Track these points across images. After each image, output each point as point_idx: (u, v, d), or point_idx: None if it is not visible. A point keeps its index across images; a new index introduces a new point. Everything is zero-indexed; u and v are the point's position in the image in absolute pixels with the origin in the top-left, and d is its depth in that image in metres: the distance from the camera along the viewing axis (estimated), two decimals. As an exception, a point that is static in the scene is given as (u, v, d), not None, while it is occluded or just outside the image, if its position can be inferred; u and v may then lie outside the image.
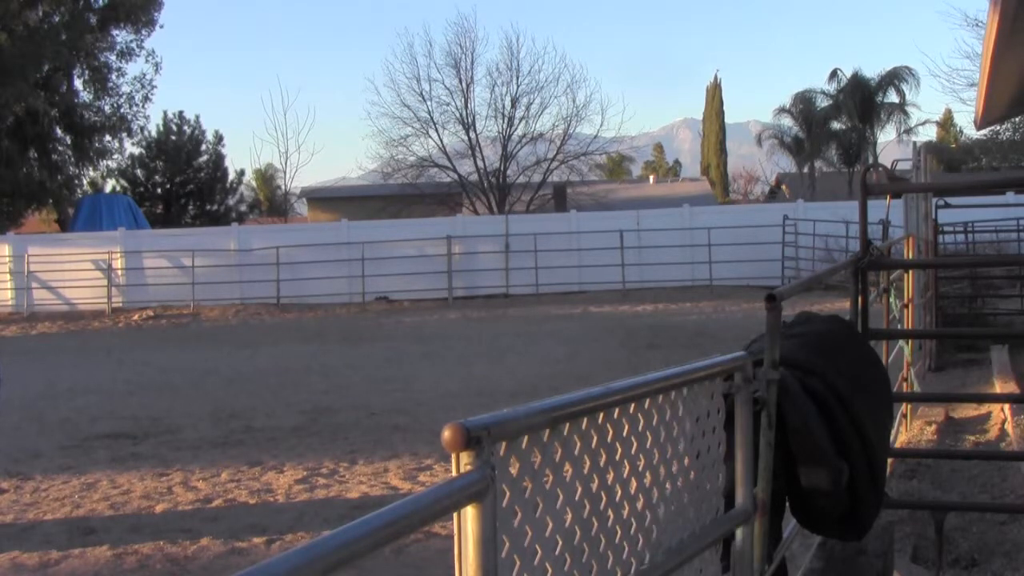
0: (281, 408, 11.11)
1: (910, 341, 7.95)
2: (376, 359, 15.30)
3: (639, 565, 2.15)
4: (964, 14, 39.55)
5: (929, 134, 47.09)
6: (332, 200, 40.65)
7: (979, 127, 13.51)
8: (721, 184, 57.93)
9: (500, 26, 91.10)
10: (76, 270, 25.79)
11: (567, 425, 1.86)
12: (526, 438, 1.71)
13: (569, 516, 1.87)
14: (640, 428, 2.16)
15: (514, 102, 36.83)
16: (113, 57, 33.14)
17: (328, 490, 7.55)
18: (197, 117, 48.96)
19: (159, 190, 39.61)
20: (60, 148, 33.30)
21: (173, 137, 39.52)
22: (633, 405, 2.12)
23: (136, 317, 24.03)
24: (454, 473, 1.53)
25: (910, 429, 7.58)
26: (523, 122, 37.07)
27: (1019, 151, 31.07)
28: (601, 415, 1.99)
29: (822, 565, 3.79)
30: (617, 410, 2.05)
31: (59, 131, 33.03)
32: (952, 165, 42.37)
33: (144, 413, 11.06)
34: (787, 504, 3.17)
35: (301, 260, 25.61)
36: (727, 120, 61.40)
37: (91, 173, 36.61)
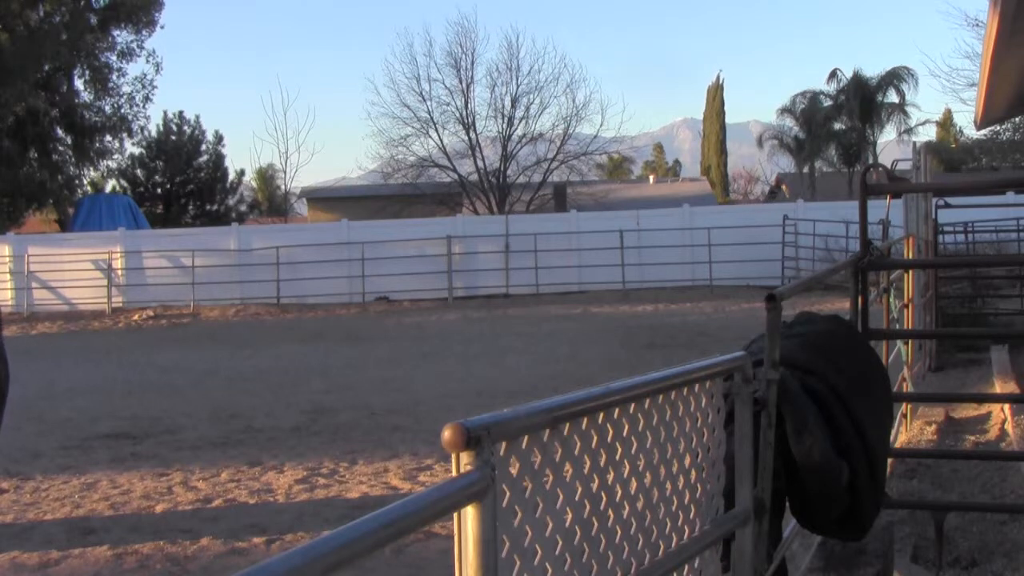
0: (281, 408, 11.11)
1: (909, 342, 7.96)
2: (376, 359, 15.30)
3: (639, 565, 2.15)
4: (964, 14, 39.56)
5: (929, 134, 47.12)
6: (332, 200, 40.63)
7: (979, 127, 13.52)
8: (721, 184, 57.92)
9: (500, 26, 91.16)
10: (76, 270, 25.80)
11: (567, 425, 1.86)
12: (526, 438, 1.71)
13: (569, 516, 1.87)
14: (640, 428, 2.16)
15: (514, 102, 36.87)
16: (114, 57, 33.21)
17: (328, 490, 7.55)
18: (197, 117, 49.01)
19: (159, 190, 39.60)
20: (60, 148, 33.33)
21: (173, 137, 39.52)
22: (633, 405, 2.12)
23: (136, 317, 24.03)
24: (454, 473, 1.53)
25: (910, 429, 7.58)
26: (523, 122, 37.13)
27: (1019, 151, 31.07)
28: (601, 415, 1.99)
29: (822, 565, 3.79)
30: (617, 410, 2.05)
31: (59, 131, 33.06)
32: (952, 165, 42.38)
33: (144, 413, 11.07)
34: (787, 504, 3.17)
35: (301, 260, 25.61)
36: (727, 120, 61.40)
37: (91, 173, 36.68)
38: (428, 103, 36.51)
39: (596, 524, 1.98)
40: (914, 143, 10.89)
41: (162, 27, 33.71)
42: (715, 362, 2.61)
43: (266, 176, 48.42)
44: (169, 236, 28.32)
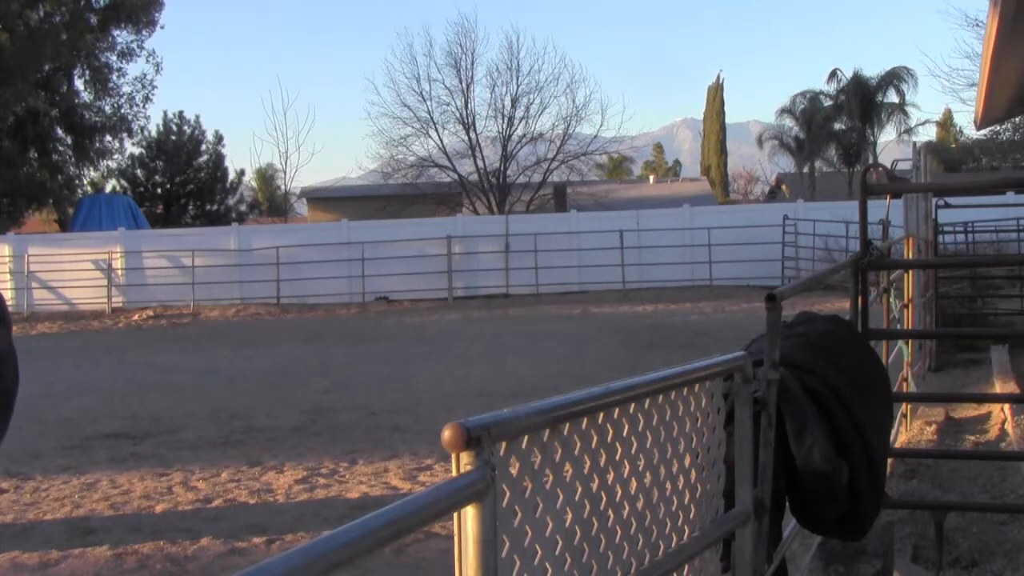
0: (281, 408, 11.11)
1: (910, 342, 7.95)
2: (376, 359, 15.30)
3: (639, 565, 2.15)
4: (964, 14, 39.60)
5: (929, 134, 47.12)
6: (332, 200, 40.65)
7: (979, 127, 13.53)
8: (721, 184, 57.94)
9: (500, 26, 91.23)
10: (76, 270, 25.80)
11: (567, 425, 1.86)
12: (526, 438, 1.71)
13: (569, 516, 1.87)
14: (640, 428, 2.16)
15: (514, 102, 36.86)
16: (114, 57, 33.22)
17: (328, 490, 7.55)
18: (197, 117, 49.03)
19: (159, 190, 39.61)
20: (60, 148, 33.34)
21: (173, 137, 39.53)
22: (633, 405, 2.12)
23: (136, 317, 24.03)
24: (454, 473, 1.53)
25: (910, 429, 7.58)
26: (523, 122, 37.12)
27: (1019, 151, 31.07)
28: (601, 415, 1.99)
29: (822, 565, 3.79)
30: (617, 410, 2.05)
31: (60, 131, 33.07)
32: (952, 165, 42.36)
33: (144, 413, 11.07)
34: (787, 504, 3.17)
35: (301, 260, 25.61)
36: (727, 120, 61.42)
37: (91, 173, 36.69)
38: (428, 103, 36.55)
39: (596, 524, 1.98)
40: (914, 143, 10.89)
41: (162, 27, 33.78)
42: (715, 362, 2.61)
43: (266, 176, 48.43)
44: (169, 236, 28.32)
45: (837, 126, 44.82)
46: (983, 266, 12.39)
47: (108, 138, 34.00)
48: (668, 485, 2.31)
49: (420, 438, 9.07)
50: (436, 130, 36.83)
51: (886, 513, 4.48)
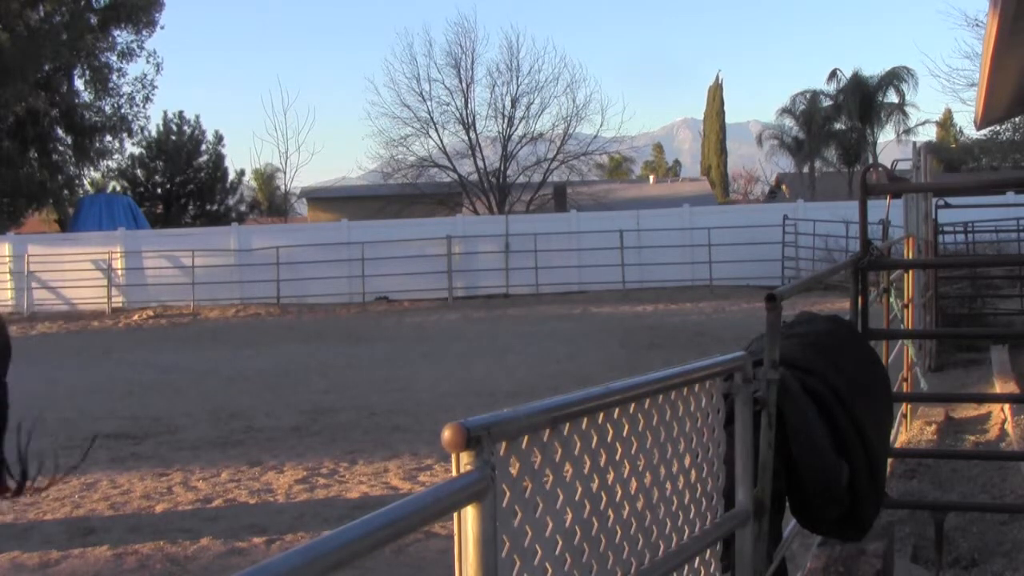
0: (281, 408, 11.11)
1: (913, 341, 7.95)
2: (376, 359, 15.30)
3: (639, 565, 2.15)
4: (964, 14, 39.61)
5: (929, 134, 47.10)
6: (332, 200, 40.65)
7: (979, 127, 13.53)
8: (721, 184, 57.94)
9: (500, 26, 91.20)
10: (76, 270, 25.79)
11: (567, 425, 1.86)
12: (526, 438, 1.71)
13: (569, 516, 1.87)
14: (640, 428, 2.16)
15: (514, 102, 36.86)
16: (114, 57, 33.19)
17: (328, 490, 7.56)
18: (197, 117, 49.04)
19: (159, 190, 39.60)
20: (61, 148, 33.33)
21: (173, 137, 39.51)
22: (633, 405, 2.12)
23: (136, 317, 24.03)
24: (454, 473, 1.53)
25: (910, 429, 7.58)
26: (523, 122, 37.11)
27: (1019, 151, 31.05)
28: (601, 415, 1.99)
29: (822, 565, 3.79)
30: (617, 410, 2.05)
31: (60, 131, 33.05)
32: (952, 165, 42.36)
33: (144, 413, 11.07)
34: (787, 504, 3.17)
35: (301, 260, 25.60)
36: (727, 120, 61.41)
37: (92, 173, 36.68)
38: (428, 103, 36.54)
39: (596, 524, 1.98)
40: (914, 143, 10.89)
41: (162, 27, 33.74)
42: (715, 362, 2.61)
43: (266, 176, 48.44)
44: (169, 236, 28.31)
45: (837, 126, 44.83)
46: (983, 266, 12.39)
47: (108, 138, 34.00)
48: (668, 485, 2.31)
49: (420, 438, 9.07)
50: (436, 130, 36.87)
51: (886, 513, 4.48)
